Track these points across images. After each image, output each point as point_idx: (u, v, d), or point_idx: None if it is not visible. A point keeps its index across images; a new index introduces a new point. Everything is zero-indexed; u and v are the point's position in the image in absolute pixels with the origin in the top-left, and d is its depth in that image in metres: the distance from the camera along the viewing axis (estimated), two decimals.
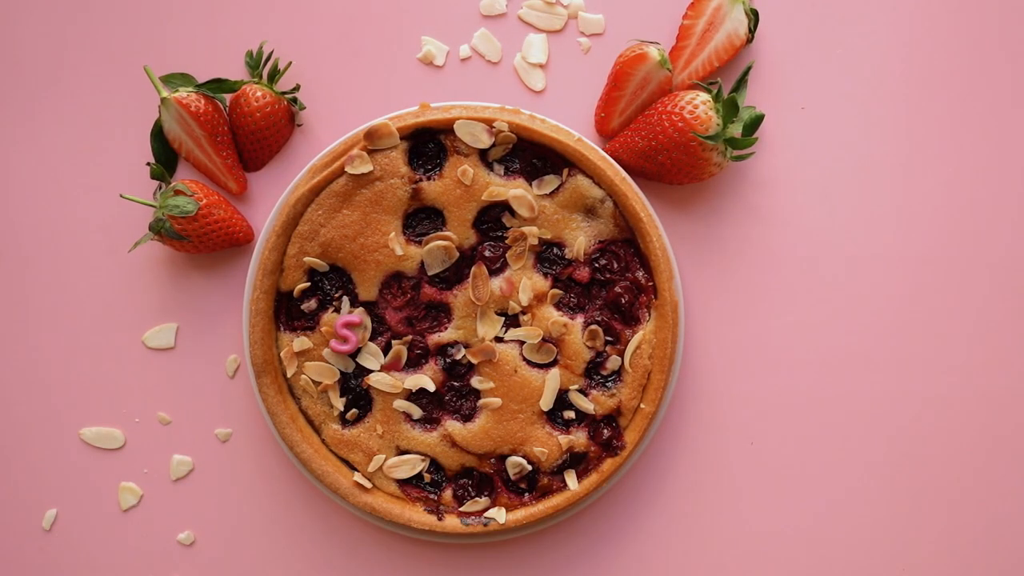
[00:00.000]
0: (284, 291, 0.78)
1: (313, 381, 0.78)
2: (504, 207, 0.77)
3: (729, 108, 0.75)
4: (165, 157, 0.81)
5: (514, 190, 0.76)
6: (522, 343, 0.77)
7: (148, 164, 0.78)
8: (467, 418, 0.78)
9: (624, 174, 0.77)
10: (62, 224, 0.83)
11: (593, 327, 0.77)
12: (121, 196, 0.79)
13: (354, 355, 0.78)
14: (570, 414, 0.77)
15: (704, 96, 0.75)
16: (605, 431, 0.77)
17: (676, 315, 0.76)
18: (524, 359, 0.77)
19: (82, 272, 0.83)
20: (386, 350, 0.78)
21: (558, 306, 0.78)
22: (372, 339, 0.78)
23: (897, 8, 0.82)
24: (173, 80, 0.78)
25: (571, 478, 0.77)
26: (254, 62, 0.80)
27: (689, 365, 0.81)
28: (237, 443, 0.82)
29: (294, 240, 0.77)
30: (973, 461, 0.81)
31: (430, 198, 0.77)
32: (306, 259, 0.77)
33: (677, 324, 0.77)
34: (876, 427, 0.81)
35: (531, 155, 0.78)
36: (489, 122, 0.76)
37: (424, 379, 0.77)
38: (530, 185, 0.77)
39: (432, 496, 0.78)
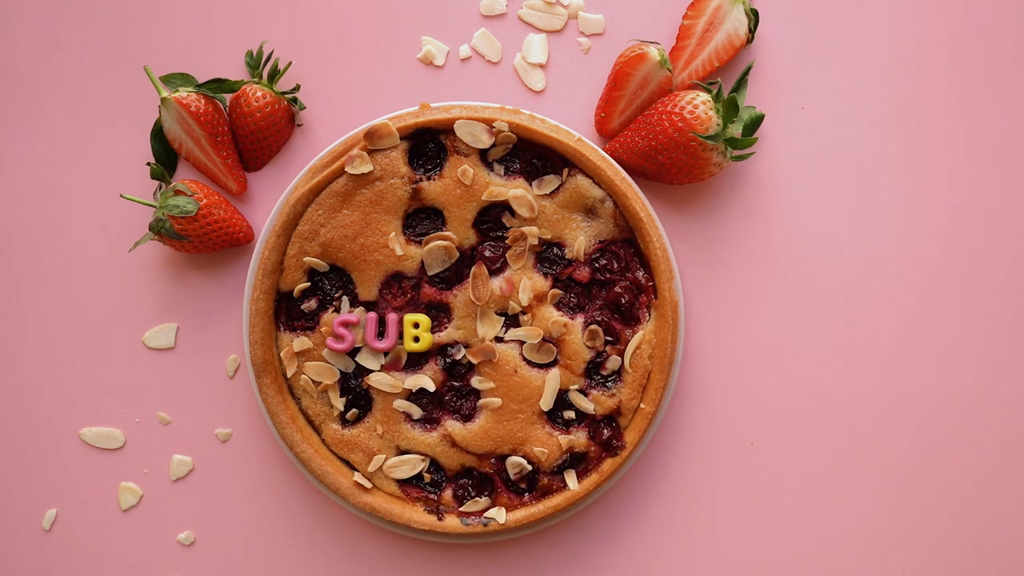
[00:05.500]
0: (284, 291, 0.78)
1: (313, 381, 0.78)
2: (504, 207, 0.77)
3: (729, 108, 0.75)
4: (165, 157, 0.81)
5: (514, 190, 0.76)
6: (522, 343, 0.77)
7: (148, 164, 0.78)
8: (467, 418, 0.78)
9: (624, 174, 0.77)
10: (62, 224, 0.83)
11: (593, 327, 0.77)
12: (121, 196, 0.79)
13: (354, 355, 0.78)
14: (570, 414, 0.77)
15: (704, 96, 0.75)
16: (605, 431, 0.77)
17: (676, 315, 0.76)
18: (524, 359, 0.77)
19: (82, 272, 0.83)
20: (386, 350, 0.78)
21: (558, 306, 0.78)
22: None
23: (897, 8, 0.82)
24: (173, 80, 0.78)
25: (571, 478, 0.77)
26: (254, 62, 0.80)
27: (689, 365, 0.81)
28: (237, 443, 0.82)
29: (294, 240, 0.77)
30: (974, 461, 0.81)
31: (430, 198, 0.77)
32: (306, 259, 0.77)
33: (677, 324, 0.77)
34: (876, 427, 0.81)
35: (531, 155, 0.78)
36: (489, 122, 0.76)
37: (424, 379, 0.77)
38: (530, 185, 0.77)
39: (432, 496, 0.78)
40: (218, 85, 0.79)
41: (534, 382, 0.77)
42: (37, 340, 0.83)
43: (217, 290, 0.82)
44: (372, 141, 0.76)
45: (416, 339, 0.76)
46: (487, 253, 0.78)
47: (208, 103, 0.78)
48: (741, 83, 0.76)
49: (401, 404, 0.78)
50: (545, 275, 0.78)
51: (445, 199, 0.77)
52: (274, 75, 0.80)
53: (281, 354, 0.78)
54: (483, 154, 0.77)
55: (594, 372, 0.78)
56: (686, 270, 0.81)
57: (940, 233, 0.81)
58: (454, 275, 0.78)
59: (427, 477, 0.78)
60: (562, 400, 0.78)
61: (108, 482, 0.82)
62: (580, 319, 0.78)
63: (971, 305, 0.81)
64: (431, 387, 0.77)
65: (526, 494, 0.78)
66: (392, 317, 0.77)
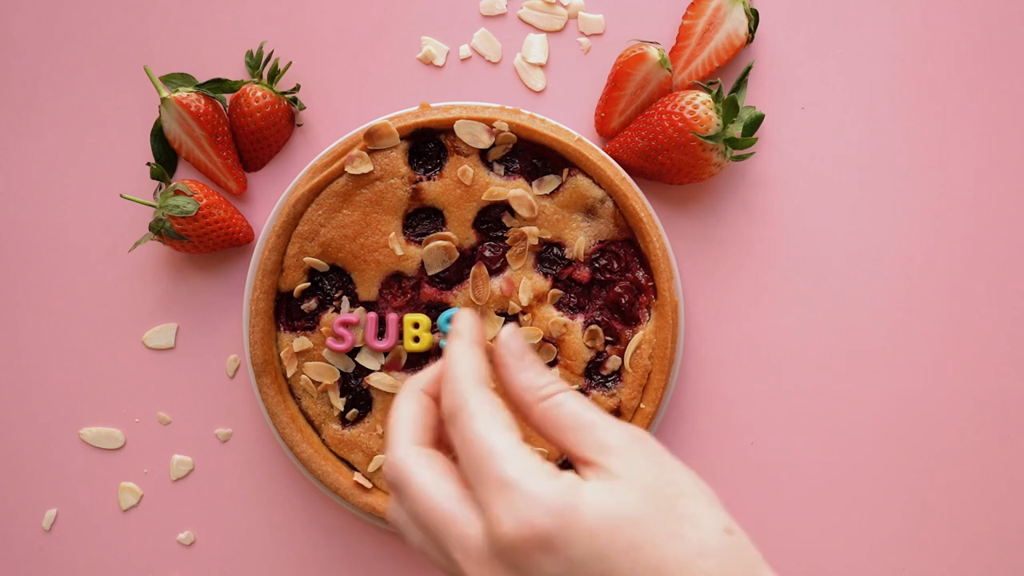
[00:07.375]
0: (284, 291, 0.78)
1: (313, 381, 0.78)
2: (504, 207, 0.77)
3: (729, 108, 0.75)
4: (165, 157, 0.81)
5: (514, 190, 0.76)
6: None
7: (148, 164, 0.78)
8: None
9: (624, 174, 0.77)
10: (62, 224, 0.83)
11: (593, 327, 0.77)
12: (121, 196, 0.79)
13: (354, 355, 0.78)
14: None
15: (704, 96, 0.75)
16: None
17: (676, 315, 0.77)
18: None
19: (82, 272, 0.83)
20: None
21: (558, 306, 0.78)
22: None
23: (898, 8, 0.82)
24: (173, 80, 0.78)
25: None
26: (254, 62, 0.80)
27: (689, 365, 0.81)
28: (237, 443, 0.82)
29: (294, 240, 0.77)
30: (975, 461, 0.81)
31: (430, 198, 0.77)
32: (306, 259, 0.77)
33: (677, 324, 0.77)
34: (877, 427, 0.81)
35: (531, 155, 0.78)
36: (489, 122, 0.76)
37: None
38: (530, 185, 0.77)
39: None
40: (218, 85, 0.79)
41: None
42: (37, 340, 0.83)
43: (217, 290, 0.82)
44: (372, 141, 0.76)
45: (416, 339, 0.76)
46: (487, 253, 0.78)
47: (208, 103, 0.78)
48: (741, 83, 0.76)
49: None
50: (545, 275, 0.78)
51: (445, 199, 0.77)
52: (274, 75, 0.80)
53: (281, 354, 0.78)
54: (483, 154, 0.77)
55: (594, 372, 0.78)
56: (686, 270, 0.81)
57: (942, 232, 0.81)
58: (454, 275, 0.78)
59: None
60: None
61: (108, 482, 0.82)
62: (580, 319, 0.78)
63: (973, 304, 0.81)
64: None
65: None
66: (392, 317, 0.77)
